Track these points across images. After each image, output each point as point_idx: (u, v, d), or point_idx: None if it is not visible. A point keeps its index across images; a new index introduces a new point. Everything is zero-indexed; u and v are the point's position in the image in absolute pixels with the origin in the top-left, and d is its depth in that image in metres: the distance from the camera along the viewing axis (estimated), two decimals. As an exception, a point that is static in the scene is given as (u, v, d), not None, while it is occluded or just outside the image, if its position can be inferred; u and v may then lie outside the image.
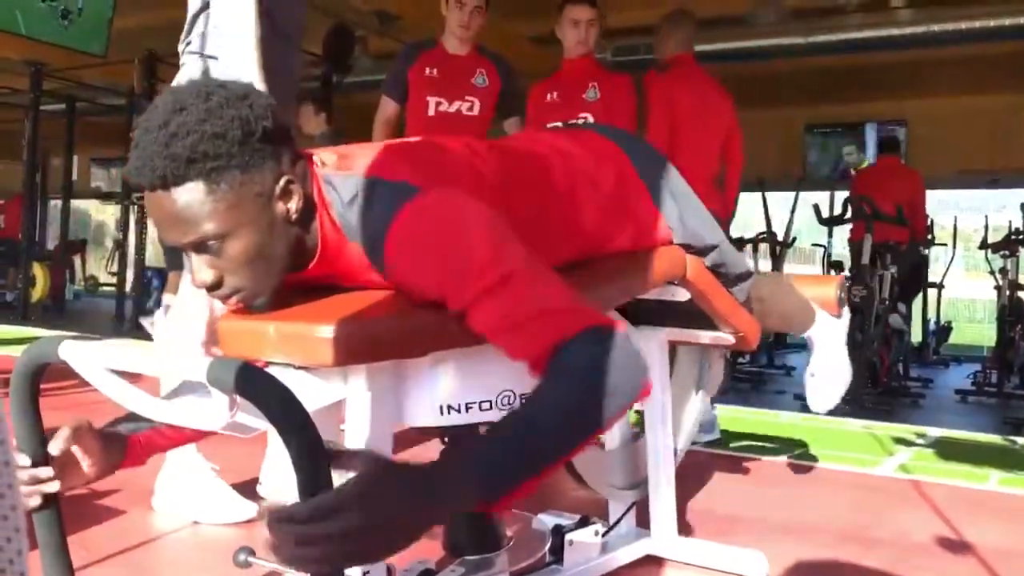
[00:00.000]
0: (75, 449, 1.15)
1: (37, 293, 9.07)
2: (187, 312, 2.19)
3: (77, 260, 11.26)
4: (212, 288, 1.16)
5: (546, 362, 1.03)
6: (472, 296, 1.07)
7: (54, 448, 1.11)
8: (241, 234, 1.12)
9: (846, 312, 2.03)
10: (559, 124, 3.30)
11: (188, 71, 2.08)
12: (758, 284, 1.83)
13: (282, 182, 1.14)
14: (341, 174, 1.20)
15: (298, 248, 1.19)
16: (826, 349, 1.99)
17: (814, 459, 3.20)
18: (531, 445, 0.97)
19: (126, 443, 1.22)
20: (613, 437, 1.98)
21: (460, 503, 0.93)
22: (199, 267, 1.14)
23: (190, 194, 1.09)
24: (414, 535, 0.87)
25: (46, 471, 1.10)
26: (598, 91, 3.38)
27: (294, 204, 1.16)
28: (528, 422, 0.98)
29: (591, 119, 3.30)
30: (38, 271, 9.07)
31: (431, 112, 3.38)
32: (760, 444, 3.42)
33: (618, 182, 1.50)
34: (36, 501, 1.10)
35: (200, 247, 1.13)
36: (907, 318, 5.93)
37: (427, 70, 3.41)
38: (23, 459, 1.07)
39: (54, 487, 1.11)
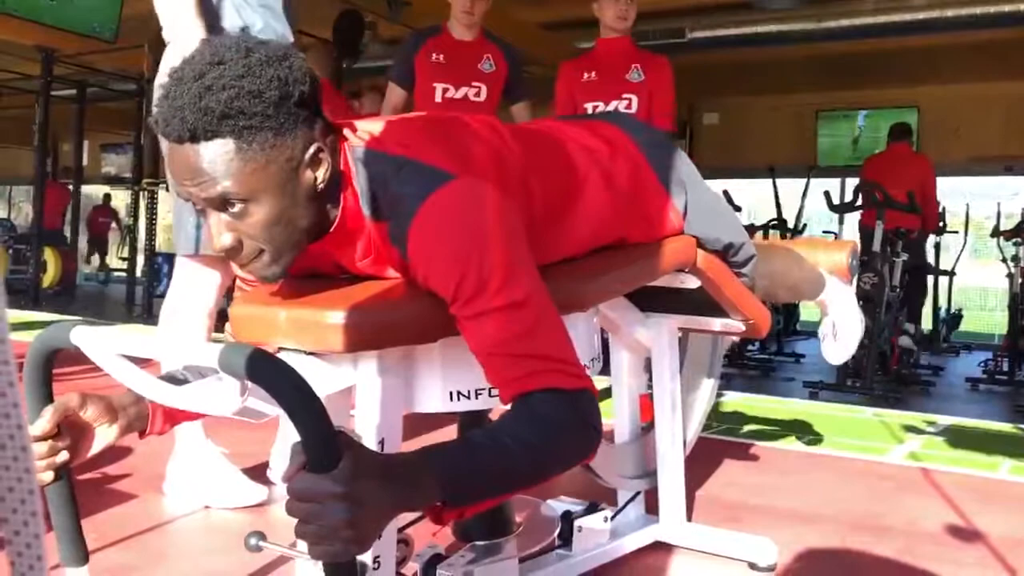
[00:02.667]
0: (87, 414, 1.13)
1: (49, 278, 9.12)
2: (185, 303, 2.18)
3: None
4: (230, 251, 1.13)
5: (521, 398, 1.06)
6: (477, 311, 1.07)
7: (38, 429, 1.08)
8: (265, 199, 1.09)
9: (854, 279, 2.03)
10: (599, 104, 3.36)
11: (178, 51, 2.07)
12: (767, 258, 1.83)
13: (312, 149, 1.11)
14: (372, 150, 1.18)
15: (321, 220, 1.17)
16: (839, 310, 1.98)
17: (824, 447, 3.20)
18: (499, 471, 1.00)
19: (146, 407, 1.20)
20: (623, 431, 1.98)
21: (422, 505, 0.96)
22: (218, 228, 1.11)
23: (219, 150, 1.05)
24: (379, 531, 0.90)
25: (52, 445, 1.09)
26: (642, 72, 3.39)
27: (322, 174, 1.13)
28: (502, 449, 1.00)
29: (635, 100, 3.33)
30: (49, 256, 9.11)
31: (438, 98, 3.38)
32: (769, 431, 3.42)
33: (632, 177, 1.50)
34: (48, 476, 1.10)
35: (220, 206, 1.09)
36: (917, 333, 5.92)
37: (433, 56, 3.40)
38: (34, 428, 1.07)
39: (63, 457, 1.10)
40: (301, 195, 1.12)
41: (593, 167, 1.43)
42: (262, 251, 1.13)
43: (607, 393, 2.04)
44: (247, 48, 1.07)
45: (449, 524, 1.04)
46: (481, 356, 1.09)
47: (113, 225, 12.70)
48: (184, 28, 1.97)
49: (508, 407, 1.08)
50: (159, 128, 1.07)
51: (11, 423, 0.35)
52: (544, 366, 1.05)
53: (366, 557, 1.19)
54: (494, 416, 1.31)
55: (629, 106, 3.36)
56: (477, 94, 3.40)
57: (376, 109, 5.14)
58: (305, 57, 1.14)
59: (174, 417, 1.25)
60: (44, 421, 1.08)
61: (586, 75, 3.44)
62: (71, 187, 10.17)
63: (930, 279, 7.13)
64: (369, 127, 1.22)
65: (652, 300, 1.84)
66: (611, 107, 3.35)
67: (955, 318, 8.07)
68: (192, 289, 2.18)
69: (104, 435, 1.16)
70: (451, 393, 1.28)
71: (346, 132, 1.20)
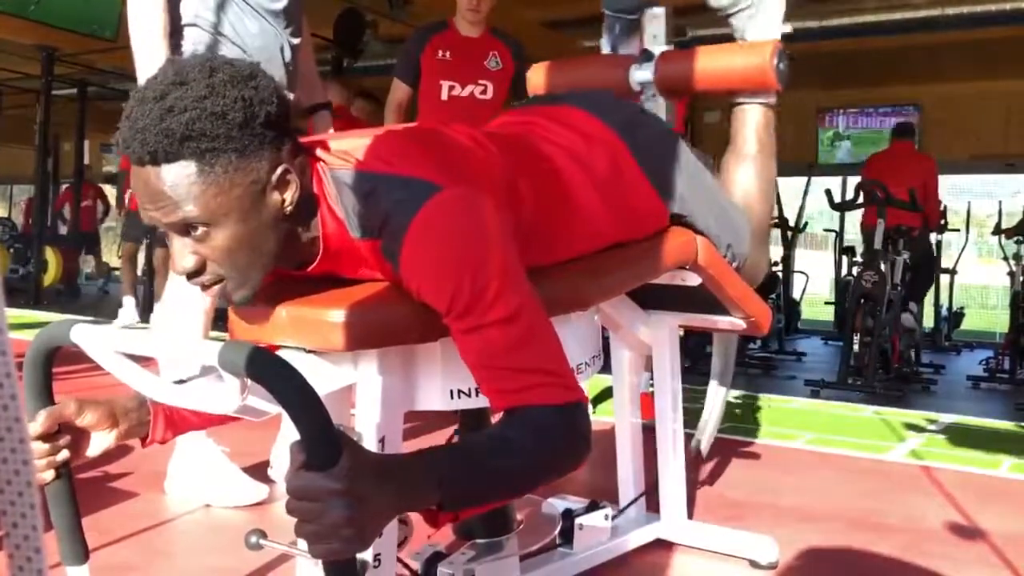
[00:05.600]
0: (85, 421, 1.12)
1: (49, 278, 9.12)
2: (181, 303, 2.18)
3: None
4: (192, 275, 1.11)
5: (514, 408, 1.06)
6: (471, 326, 1.06)
7: (34, 429, 1.07)
8: (229, 223, 1.06)
9: None
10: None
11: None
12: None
13: (279, 171, 1.08)
14: (350, 169, 1.16)
15: (291, 244, 1.15)
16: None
17: (825, 445, 3.20)
18: (494, 476, 1.01)
19: (147, 414, 1.19)
20: (624, 429, 1.98)
21: (419, 506, 0.96)
22: (180, 251, 1.09)
23: (180, 173, 1.03)
24: (379, 530, 0.90)
25: (53, 444, 1.09)
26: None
27: (289, 196, 1.10)
28: (497, 456, 1.01)
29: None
30: (50, 256, 9.11)
31: (444, 96, 3.35)
32: (771, 429, 3.42)
33: (611, 166, 1.46)
34: (49, 475, 1.10)
35: (183, 230, 1.07)
36: (919, 316, 5.91)
37: (439, 53, 3.36)
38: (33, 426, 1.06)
39: (63, 456, 1.10)
40: (267, 218, 1.10)
41: (575, 168, 1.40)
42: (225, 275, 1.11)
43: (609, 392, 2.04)
44: (211, 68, 1.05)
45: (444, 527, 1.04)
46: (474, 368, 1.08)
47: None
48: (150, 52, 1.99)
49: (500, 414, 1.08)
50: (120, 149, 1.05)
51: (8, 415, 0.35)
52: (537, 380, 1.05)
53: (366, 555, 1.19)
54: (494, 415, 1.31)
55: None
56: (483, 92, 3.37)
57: (367, 116, 5.12)
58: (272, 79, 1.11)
59: (176, 426, 1.24)
60: (37, 425, 1.07)
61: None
62: (73, 187, 10.16)
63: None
64: (345, 145, 1.19)
65: (653, 298, 1.83)
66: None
67: (956, 316, 8.05)
68: (188, 289, 2.17)
69: (102, 440, 1.16)
70: (451, 391, 1.28)
71: (320, 152, 1.17)
